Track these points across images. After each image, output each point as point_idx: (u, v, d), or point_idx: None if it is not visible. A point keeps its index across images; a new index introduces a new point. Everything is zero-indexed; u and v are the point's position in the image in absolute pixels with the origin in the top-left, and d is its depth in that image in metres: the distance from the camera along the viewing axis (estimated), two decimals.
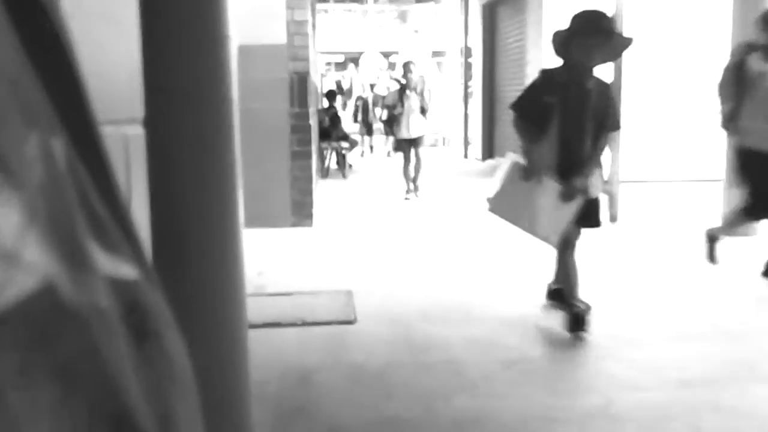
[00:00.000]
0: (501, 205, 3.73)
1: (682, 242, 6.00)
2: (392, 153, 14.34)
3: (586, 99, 3.69)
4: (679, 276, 4.97)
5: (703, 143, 9.68)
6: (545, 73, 3.85)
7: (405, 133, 8.66)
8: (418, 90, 8.74)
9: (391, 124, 8.95)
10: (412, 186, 8.71)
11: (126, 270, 0.37)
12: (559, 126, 3.67)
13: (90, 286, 0.35)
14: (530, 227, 3.71)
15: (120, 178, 0.50)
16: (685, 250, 5.73)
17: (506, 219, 3.78)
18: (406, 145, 8.71)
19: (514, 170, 3.73)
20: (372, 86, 17.42)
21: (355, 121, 15.10)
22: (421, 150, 8.74)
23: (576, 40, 3.58)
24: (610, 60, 3.74)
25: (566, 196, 3.66)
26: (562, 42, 3.66)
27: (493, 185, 3.80)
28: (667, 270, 5.13)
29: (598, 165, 3.78)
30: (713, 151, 9.08)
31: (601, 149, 3.76)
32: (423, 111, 8.71)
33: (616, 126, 3.82)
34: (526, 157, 3.72)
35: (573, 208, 3.65)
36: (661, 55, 9.52)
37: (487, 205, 3.78)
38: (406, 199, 8.65)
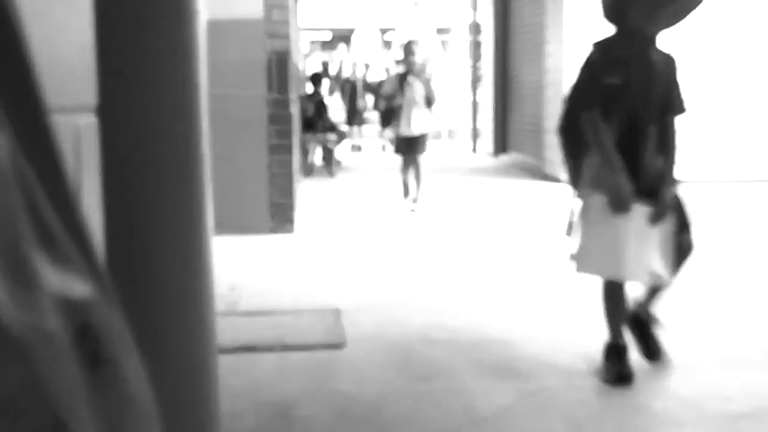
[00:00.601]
0: (591, 259, 3.47)
1: (732, 252, 6.01)
2: (388, 147, 14.27)
3: (652, 76, 3.41)
4: (728, 292, 4.98)
5: (756, 141, 9.71)
6: (602, 47, 3.49)
7: (406, 130, 8.12)
8: (422, 77, 8.27)
9: (390, 117, 8.57)
10: (410, 197, 8.31)
11: (78, 287, 0.37)
12: (621, 113, 3.40)
13: (36, 307, 0.35)
14: (631, 273, 3.45)
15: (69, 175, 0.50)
16: (736, 260, 5.74)
17: (601, 274, 3.54)
18: (407, 144, 8.20)
19: (596, 209, 3.43)
20: (367, 67, 17.28)
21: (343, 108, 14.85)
22: (422, 156, 8.28)
23: (636, 1, 3.33)
24: (673, 24, 3.44)
25: (658, 216, 3.38)
26: (616, 3, 3.41)
27: (574, 238, 3.54)
28: (714, 284, 5.14)
29: (674, 163, 3.49)
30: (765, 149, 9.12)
31: (674, 141, 3.48)
32: (428, 102, 8.17)
33: (682, 108, 3.52)
34: (608, 178, 3.37)
35: (667, 228, 3.40)
36: (706, 46, 9.56)
37: (574, 266, 3.53)
38: (411, 210, 8.21)
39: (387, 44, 19.90)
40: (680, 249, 3.51)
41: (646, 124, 3.44)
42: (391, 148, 14.24)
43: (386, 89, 8.51)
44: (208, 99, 2.22)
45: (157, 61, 1.96)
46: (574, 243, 3.56)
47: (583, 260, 3.52)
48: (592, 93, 3.43)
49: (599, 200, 3.43)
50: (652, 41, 3.45)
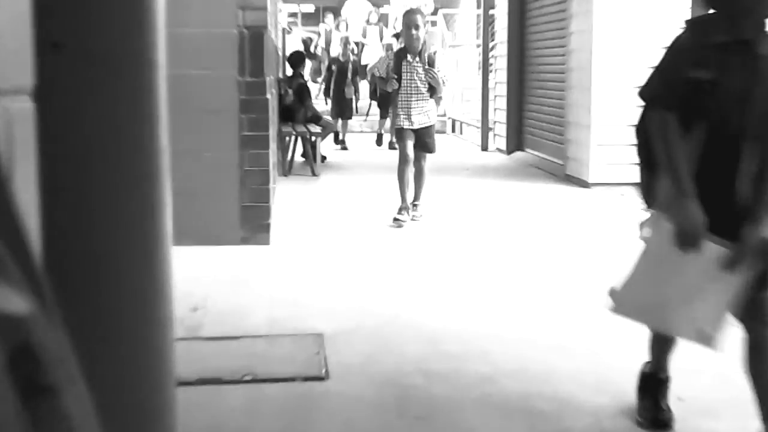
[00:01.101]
0: (632, 299, 3.24)
1: None
2: (385, 139, 14.11)
3: (757, 75, 3.09)
4: None
5: None
6: (696, 28, 3.23)
7: (404, 121, 7.68)
8: (424, 54, 7.60)
9: (385, 105, 8.19)
10: (409, 203, 7.78)
11: (16, 302, 0.37)
12: (710, 120, 3.11)
13: None
14: (677, 329, 3.28)
15: None
16: None
17: (641, 320, 3.37)
18: (406, 139, 7.71)
19: (659, 237, 3.16)
20: (360, 46, 17.19)
21: (327, 95, 14.51)
22: (424, 161, 7.84)
23: None
24: None
25: (734, 262, 3.06)
26: None
27: (626, 272, 3.29)
28: None
29: None
30: None
31: None
32: (433, 88, 7.67)
33: None
34: (678, 204, 3.07)
35: (737, 281, 3.08)
36: None
37: (609, 303, 3.28)
38: (396, 220, 7.63)
39: (382, 18, 19.93)
40: (754, 309, 3.17)
41: (741, 137, 3.11)
42: (386, 141, 14.01)
43: (380, 69, 7.88)
44: (168, 81, 2.22)
45: (106, 34, 1.95)
46: (620, 275, 3.33)
47: (623, 300, 3.26)
48: (671, 87, 3.14)
49: (667, 228, 3.14)
50: (763, 27, 3.14)
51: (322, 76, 14.31)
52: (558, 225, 7.78)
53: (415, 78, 7.63)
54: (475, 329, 4.79)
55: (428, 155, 7.97)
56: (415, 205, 7.93)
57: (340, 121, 14.08)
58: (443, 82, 7.71)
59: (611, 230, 7.42)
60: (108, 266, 2.03)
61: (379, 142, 14.41)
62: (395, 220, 7.67)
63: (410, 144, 7.73)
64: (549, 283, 5.71)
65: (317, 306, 5.20)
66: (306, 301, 5.30)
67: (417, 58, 7.61)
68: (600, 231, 7.46)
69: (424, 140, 7.81)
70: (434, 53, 7.70)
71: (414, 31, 7.58)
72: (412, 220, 7.80)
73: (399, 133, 7.81)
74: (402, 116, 7.70)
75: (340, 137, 14.19)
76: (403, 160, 7.78)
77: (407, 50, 7.69)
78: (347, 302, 5.28)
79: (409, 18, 7.71)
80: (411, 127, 7.70)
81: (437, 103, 7.99)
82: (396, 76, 7.65)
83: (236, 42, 6.65)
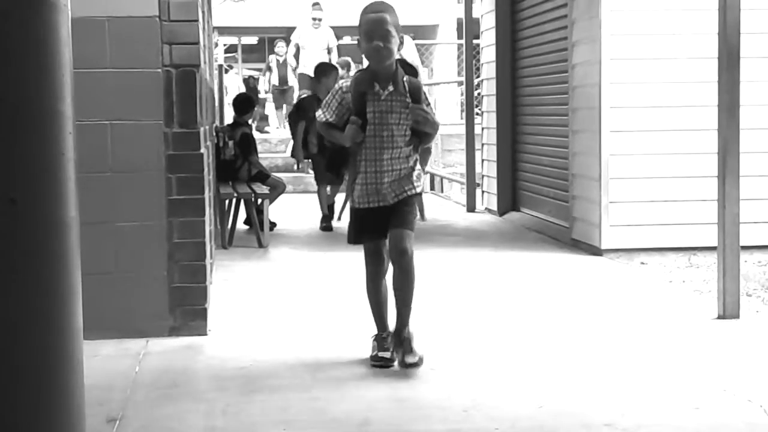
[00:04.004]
0: None
1: None
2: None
3: None
4: None
5: None
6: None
7: (370, 194, 5.76)
8: (402, 82, 5.69)
9: (337, 167, 5.86)
10: (389, 332, 5.94)
11: None
12: None
13: None
14: None
15: None
16: None
17: None
18: (375, 226, 5.76)
19: None
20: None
21: (305, 150, 12.41)
22: (408, 243, 5.68)
23: None
24: None
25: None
26: None
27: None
28: None
29: None
30: None
31: None
32: (420, 134, 5.76)
33: None
34: None
35: None
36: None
37: None
38: (379, 360, 5.85)
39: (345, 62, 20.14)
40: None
41: None
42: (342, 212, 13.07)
43: (325, 110, 5.87)
44: (77, 134, 2.19)
45: (3, 79, 1.93)
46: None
47: None
48: None
49: None
50: None
51: (299, 127, 12.58)
52: (564, 305, 7.72)
53: (389, 120, 5.67)
54: None
55: (408, 241, 5.73)
56: (401, 340, 5.80)
57: (329, 189, 12.43)
58: (435, 126, 5.82)
59: (630, 310, 7.40)
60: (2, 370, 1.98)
61: (326, 223, 12.33)
62: (377, 358, 5.88)
63: (378, 236, 5.82)
64: (560, 393, 5.66)
65: (268, 413, 5.12)
66: (255, 408, 5.22)
67: (390, 87, 5.67)
68: (616, 312, 7.42)
69: (402, 217, 5.77)
70: (408, 80, 5.77)
71: (378, 43, 5.56)
72: (405, 363, 5.71)
73: (358, 219, 5.90)
74: (367, 186, 5.80)
75: (336, 212, 11.24)
76: (373, 268, 5.95)
77: (373, 75, 5.72)
78: (307, 406, 5.21)
79: (370, 20, 5.66)
80: (382, 203, 5.79)
81: (424, 159, 6.13)
82: (360, 120, 5.65)
83: (162, 84, 6.65)
